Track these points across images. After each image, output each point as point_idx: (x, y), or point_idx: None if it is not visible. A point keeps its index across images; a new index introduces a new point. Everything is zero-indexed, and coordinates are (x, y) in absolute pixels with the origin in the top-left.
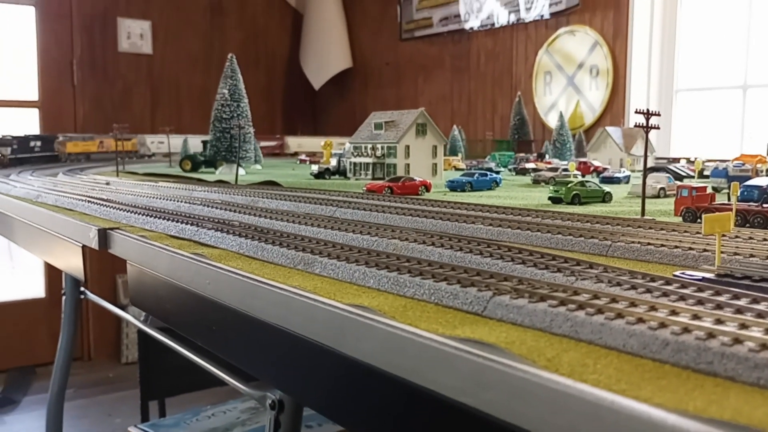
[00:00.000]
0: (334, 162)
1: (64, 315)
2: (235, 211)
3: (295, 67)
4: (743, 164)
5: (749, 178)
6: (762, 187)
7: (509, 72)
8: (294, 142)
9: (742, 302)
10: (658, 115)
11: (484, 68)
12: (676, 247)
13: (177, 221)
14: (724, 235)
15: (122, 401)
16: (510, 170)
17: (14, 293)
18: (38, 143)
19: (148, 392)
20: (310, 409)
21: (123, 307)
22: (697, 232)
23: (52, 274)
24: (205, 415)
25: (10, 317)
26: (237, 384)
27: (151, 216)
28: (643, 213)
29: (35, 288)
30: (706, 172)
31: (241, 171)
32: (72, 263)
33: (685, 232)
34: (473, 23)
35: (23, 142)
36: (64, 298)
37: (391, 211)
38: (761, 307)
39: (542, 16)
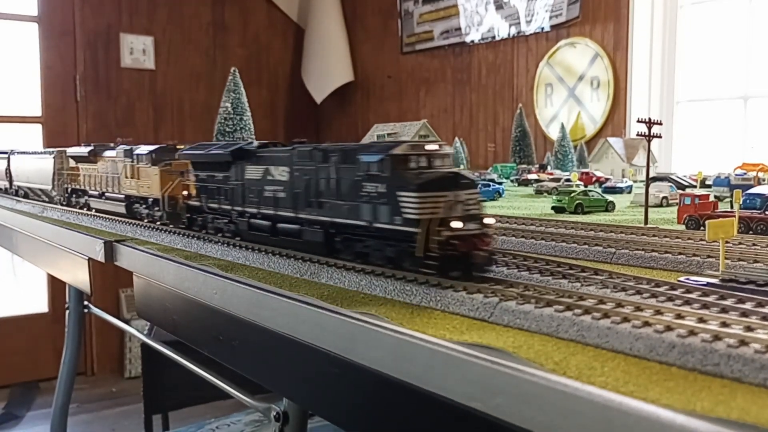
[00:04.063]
0: None
1: (68, 329)
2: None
3: (297, 81)
4: (745, 173)
5: (751, 186)
6: (764, 195)
7: (510, 84)
8: None
9: (748, 306)
10: (660, 124)
11: (486, 81)
12: (680, 254)
13: (182, 234)
14: (727, 242)
15: (126, 416)
16: (512, 181)
17: (18, 308)
18: None
19: (151, 406)
20: (315, 421)
21: (126, 322)
22: (701, 240)
23: (56, 289)
24: (209, 428)
25: (14, 332)
26: (241, 396)
27: (156, 229)
28: (646, 221)
29: (39, 303)
30: (708, 182)
31: None
32: (78, 277)
33: (689, 239)
34: (474, 36)
35: None
36: (67, 312)
37: None
38: (766, 310)
39: (542, 28)
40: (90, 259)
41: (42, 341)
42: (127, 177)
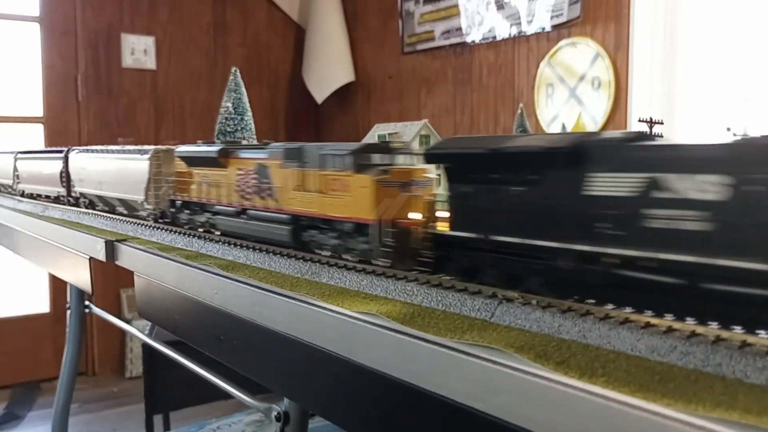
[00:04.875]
0: None
1: (69, 330)
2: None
3: (298, 81)
4: None
5: None
6: None
7: (511, 84)
8: None
9: None
10: (661, 123)
11: (486, 81)
12: None
13: (184, 234)
14: None
15: (127, 416)
16: None
17: (19, 309)
18: None
19: (152, 406)
20: (316, 421)
21: (127, 322)
22: None
23: (57, 289)
24: (210, 428)
25: (15, 332)
26: (242, 396)
27: (158, 228)
28: None
29: (40, 303)
30: None
31: None
32: (79, 276)
33: None
34: (475, 36)
35: None
36: (68, 312)
37: None
38: None
39: (543, 28)
40: (91, 259)
41: (43, 341)
42: (296, 189)
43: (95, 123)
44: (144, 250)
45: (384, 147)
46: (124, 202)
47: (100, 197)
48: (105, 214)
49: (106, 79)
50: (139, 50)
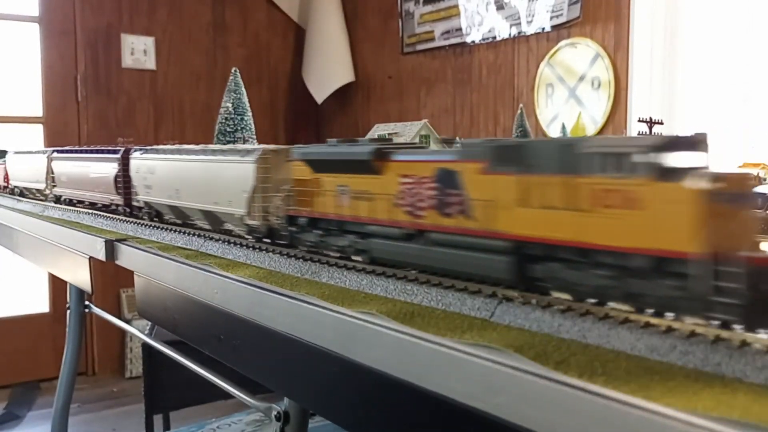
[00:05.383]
0: None
1: (69, 329)
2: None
3: (298, 81)
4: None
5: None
6: (766, 194)
7: (511, 84)
8: None
9: None
10: (661, 123)
11: (486, 81)
12: None
13: (184, 233)
14: None
15: (126, 416)
16: None
17: (19, 309)
18: None
19: (152, 406)
20: (316, 421)
21: (127, 321)
22: None
23: (57, 289)
24: (210, 428)
25: (15, 332)
26: (242, 396)
27: (157, 228)
28: None
29: (40, 303)
30: None
31: None
32: (79, 276)
33: None
34: (475, 36)
35: None
36: (68, 312)
37: None
38: None
39: (543, 28)
40: (91, 258)
41: (43, 341)
42: (520, 204)
43: (95, 123)
44: (144, 250)
45: (693, 141)
46: (210, 215)
47: (172, 207)
48: (105, 213)
49: (105, 80)
50: (138, 50)
